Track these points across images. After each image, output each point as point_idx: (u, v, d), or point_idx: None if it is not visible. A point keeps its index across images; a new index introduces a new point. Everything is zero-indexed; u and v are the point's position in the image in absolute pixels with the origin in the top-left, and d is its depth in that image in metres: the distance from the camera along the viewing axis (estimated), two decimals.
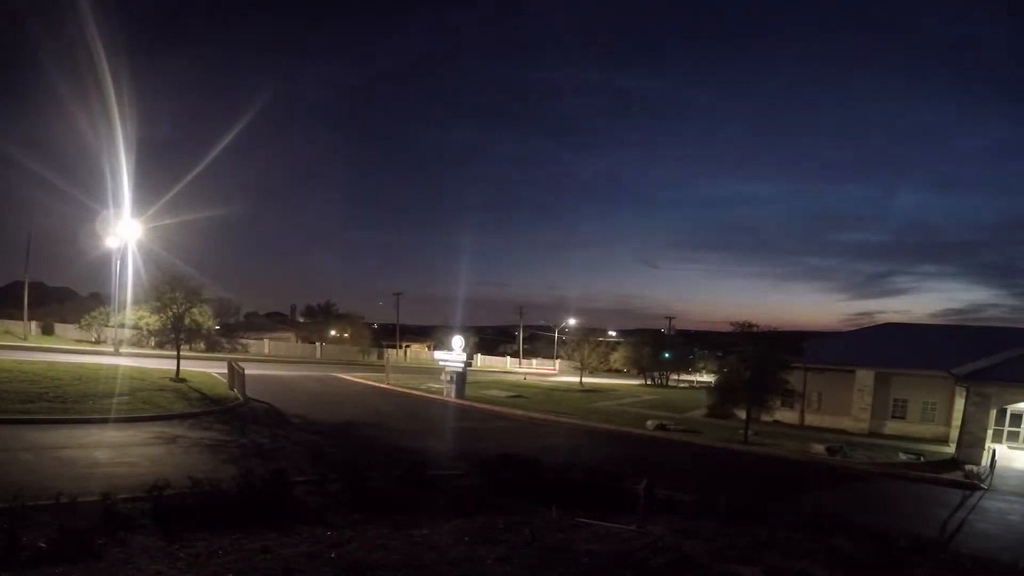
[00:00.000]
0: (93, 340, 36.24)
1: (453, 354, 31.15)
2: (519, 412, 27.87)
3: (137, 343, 24.46)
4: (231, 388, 22.66)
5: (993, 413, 24.72)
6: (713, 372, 37.61)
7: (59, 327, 39.75)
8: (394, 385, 33.36)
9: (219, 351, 24.50)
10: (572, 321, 66.47)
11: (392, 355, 56.26)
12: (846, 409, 31.22)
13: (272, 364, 38.77)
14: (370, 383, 33.44)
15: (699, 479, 16.78)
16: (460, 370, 30.82)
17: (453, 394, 30.25)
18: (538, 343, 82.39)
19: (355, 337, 64.41)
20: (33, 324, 37.96)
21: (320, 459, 13.52)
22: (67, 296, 53.87)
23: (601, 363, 53.11)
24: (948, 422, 28.29)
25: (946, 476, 19.94)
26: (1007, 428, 26.71)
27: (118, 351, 29.87)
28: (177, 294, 21.75)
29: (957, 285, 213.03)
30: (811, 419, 31.94)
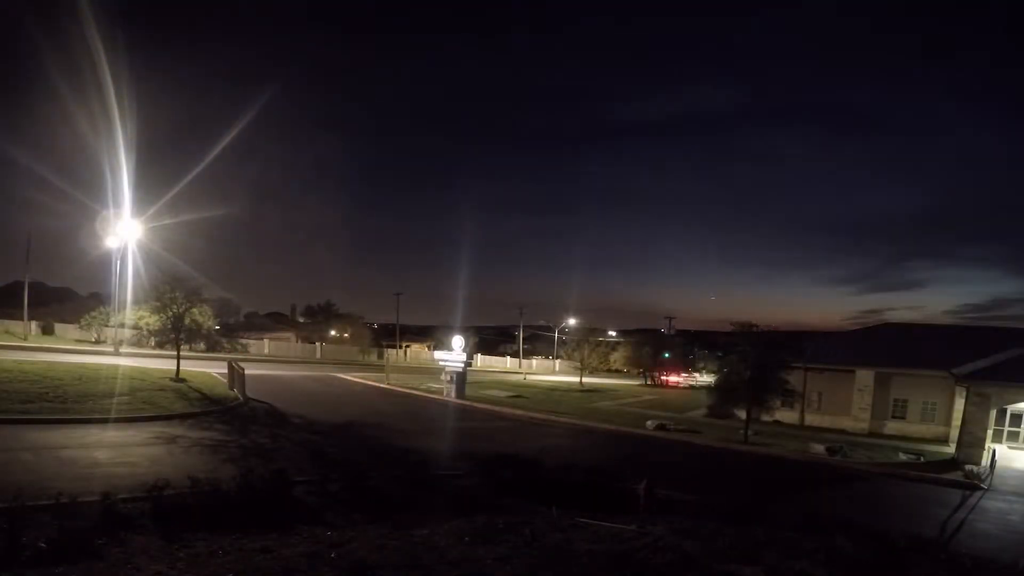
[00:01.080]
0: (93, 340, 36.25)
1: (453, 354, 31.15)
2: (519, 412, 27.87)
3: (137, 343, 24.46)
4: (231, 388, 22.66)
5: (993, 413, 24.69)
6: (713, 372, 37.60)
7: (59, 327, 39.77)
8: (394, 385, 33.37)
9: (219, 351, 24.50)
10: (572, 321, 66.43)
11: (392, 355, 56.33)
12: (846, 409, 31.22)
13: (272, 364, 38.78)
14: (370, 383, 33.44)
15: (699, 479, 16.80)
16: (460, 370, 30.82)
17: (453, 394, 30.25)
18: (538, 343, 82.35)
19: (355, 337, 64.46)
20: (33, 324, 37.98)
21: (320, 459, 13.52)
22: (67, 296, 53.90)
23: (601, 363, 53.14)
24: (948, 422, 28.28)
25: (946, 476, 19.93)
26: (1007, 428, 26.70)
27: (118, 351, 29.87)
28: (177, 294, 21.74)
29: (990, 274, 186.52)
30: (811, 419, 31.93)
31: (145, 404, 17.34)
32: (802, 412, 31.98)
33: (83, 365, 21.63)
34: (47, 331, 39.00)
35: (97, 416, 15.30)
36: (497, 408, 28.70)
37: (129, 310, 25.17)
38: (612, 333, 78.20)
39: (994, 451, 22.08)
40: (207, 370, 24.88)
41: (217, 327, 24.34)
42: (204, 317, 22.90)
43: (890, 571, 7.05)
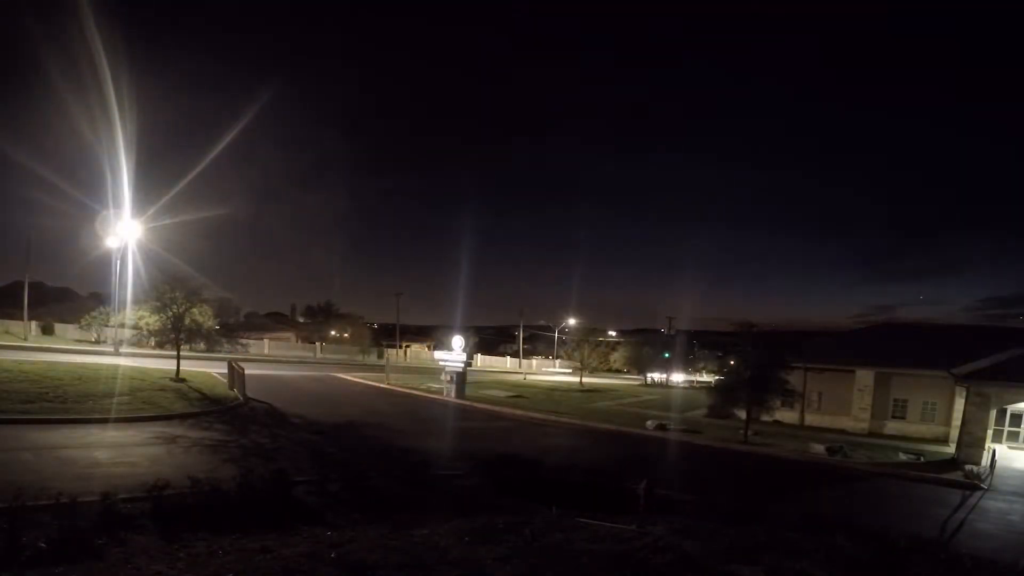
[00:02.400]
0: (93, 340, 36.23)
1: (453, 354, 31.14)
2: (519, 412, 27.86)
3: (137, 343, 24.46)
4: (231, 388, 22.65)
5: (993, 413, 24.67)
6: (713, 372, 37.60)
7: (59, 327, 39.74)
8: (394, 385, 33.36)
9: (219, 351, 24.48)
10: (572, 321, 66.42)
11: (392, 355, 56.26)
12: (846, 409, 31.22)
13: (272, 364, 38.75)
14: (370, 383, 33.43)
15: (699, 479, 16.79)
16: (460, 370, 30.81)
17: (453, 394, 30.24)
18: (538, 343, 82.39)
19: (355, 337, 64.52)
20: (33, 324, 37.96)
21: (320, 459, 13.53)
22: (67, 296, 53.96)
23: (601, 363, 53.11)
24: (948, 422, 28.28)
25: (946, 476, 19.93)
26: (1007, 428, 26.68)
27: (118, 351, 29.85)
28: (177, 294, 21.72)
29: None
30: (811, 419, 31.93)
31: (145, 404, 17.34)
32: (802, 412, 31.98)
33: (83, 365, 21.63)
34: (47, 331, 38.96)
35: (97, 416, 15.29)
36: (497, 408, 28.69)
37: (129, 310, 25.19)
38: (612, 333, 78.22)
39: (994, 451, 22.07)
40: (207, 370, 24.88)
41: (217, 327, 24.28)
42: (204, 317, 22.88)
43: (890, 571, 7.04)
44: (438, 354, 34.65)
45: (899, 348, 32.56)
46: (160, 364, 24.44)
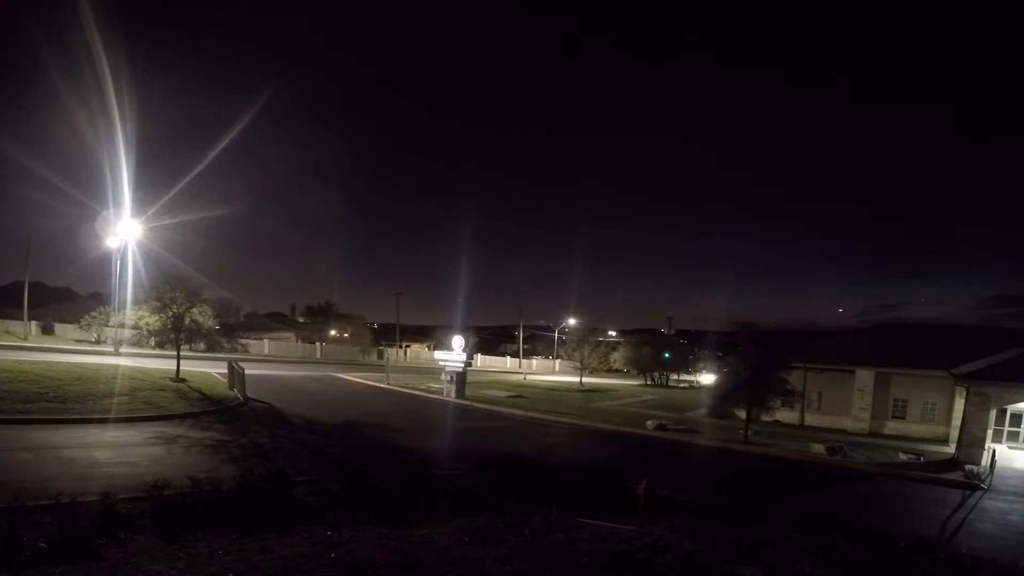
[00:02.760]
0: (93, 340, 36.24)
1: (453, 354, 31.15)
2: (519, 412, 27.86)
3: (137, 343, 24.44)
4: (231, 388, 22.66)
5: (993, 413, 24.67)
6: (713, 372, 37.60)
7: (59, 327, 39.79)
8: (394, 385, 33.37)
9: (219, 351, 24.48)
10: (572, 321, 66.40)
11: (392, 355, 56.22)
12: (846, 409, 31.23)
13: (272, 364, 38.79)
14: (370, 383, 33.45)
15: (699, 479, 16.80)
16: (460, 370, 30.81)
17: (453, 394, 30.25)
18: (538, 343, 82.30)
19: (355, 337, 64.49)
20: (33, 324, 38.02)
21: (320, 459, 13.54)
22: (67, 296, 53.91)
23: (601, 363, 53.09)
24: (948, 422, 28.29)
25: (946, 476, 19.93)
26: (1007, 428, 26.67)
27: (118, 351, 29.87)
28: (177, 294, 21.72)
29: None
30: (811, 419, 31.94)
31: (145, 404, 17.34)
32: (802, 412, 31.98)
33: (83, 365, 21.62)
34: (47, 331, 39.01)
35: (97, 416, 15.30)
36: (497, 408, 28.69)
37: (129, 310, 25.10)
38: (612, 333, 78.21)
39: (994, 451, 22.07)
40: (207, 370, 24.88)
41: (217, 327, 24.29)
42: (204, 317, 22.87)
43: (890, 571, 7.04)
44: (438, 354, 34.65)
45: (899, 348, 32.57)
46: (160, 364, 24.45)
